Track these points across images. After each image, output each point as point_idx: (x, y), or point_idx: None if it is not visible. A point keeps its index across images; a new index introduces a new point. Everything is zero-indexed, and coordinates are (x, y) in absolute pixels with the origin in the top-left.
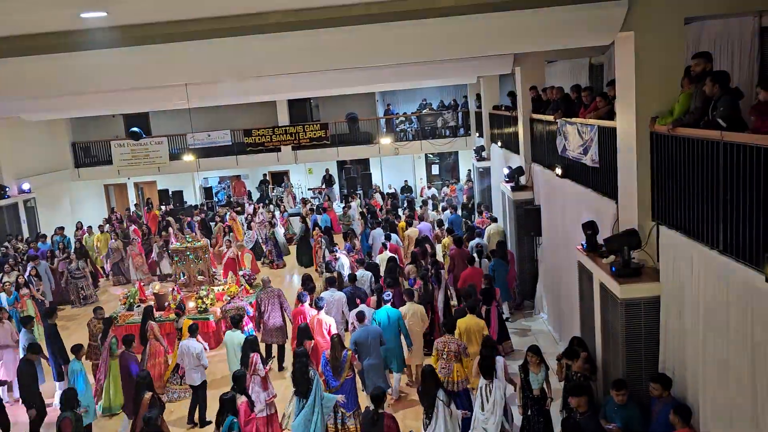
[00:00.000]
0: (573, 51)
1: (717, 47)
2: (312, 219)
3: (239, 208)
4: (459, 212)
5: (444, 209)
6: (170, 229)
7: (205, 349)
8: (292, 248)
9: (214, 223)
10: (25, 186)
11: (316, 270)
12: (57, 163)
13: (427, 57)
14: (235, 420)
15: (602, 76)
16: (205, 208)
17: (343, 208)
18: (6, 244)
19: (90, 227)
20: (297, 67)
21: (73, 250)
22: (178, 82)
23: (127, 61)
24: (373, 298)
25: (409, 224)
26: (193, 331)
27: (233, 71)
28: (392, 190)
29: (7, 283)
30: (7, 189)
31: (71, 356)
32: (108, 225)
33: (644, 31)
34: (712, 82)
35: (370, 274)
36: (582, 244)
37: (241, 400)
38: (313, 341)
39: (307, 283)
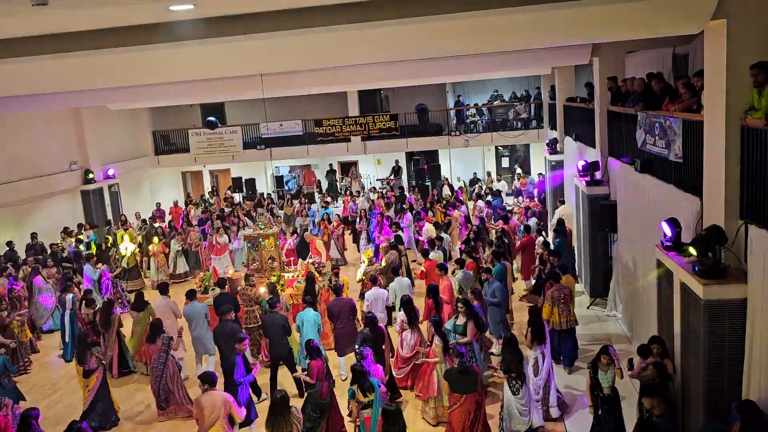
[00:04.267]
0: (655, 40)
1: None
2: (321, 213)
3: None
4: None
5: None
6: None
7: None
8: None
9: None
10: (110, 172)
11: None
12: (139, 150)
13: (503, 48)
14: None
15: (687, 66)
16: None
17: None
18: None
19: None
20: (371, 57)
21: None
22: (256, 73)
23: (208, 52)
24: None
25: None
26: (374, 281)
27: (310, 62)
28: (461, 183)
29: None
30: (93, 175)
31: None
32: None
33: (737, 19)
34: None
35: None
36: (662, 242)
37: None
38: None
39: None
